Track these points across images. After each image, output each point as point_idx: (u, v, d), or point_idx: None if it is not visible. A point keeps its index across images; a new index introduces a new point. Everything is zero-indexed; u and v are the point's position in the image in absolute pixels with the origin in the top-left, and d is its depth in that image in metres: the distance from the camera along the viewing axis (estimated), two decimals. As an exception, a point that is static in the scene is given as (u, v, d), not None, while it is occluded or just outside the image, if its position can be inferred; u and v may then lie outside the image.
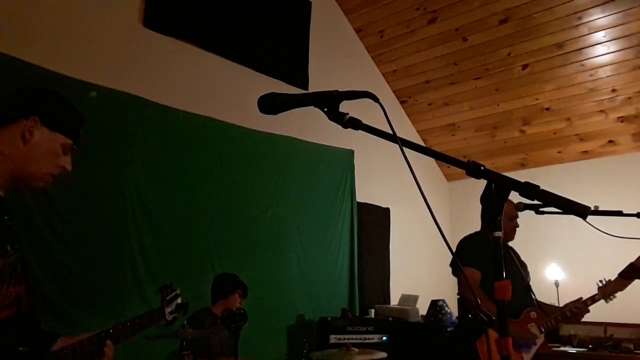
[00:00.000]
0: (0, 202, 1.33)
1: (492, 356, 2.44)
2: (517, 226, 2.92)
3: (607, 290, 2.75)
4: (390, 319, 4.27)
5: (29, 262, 2.73)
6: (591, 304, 2.78)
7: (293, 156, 4.43)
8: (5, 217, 1.32)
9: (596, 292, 2.78)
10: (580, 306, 2.76)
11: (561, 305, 3.03)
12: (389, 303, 5.06)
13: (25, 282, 1.33)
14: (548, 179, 5.31)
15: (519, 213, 2.87)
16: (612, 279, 2.79)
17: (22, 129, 1.33)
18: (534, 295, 2.93)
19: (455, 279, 2.92)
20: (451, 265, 2.84)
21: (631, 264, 2.74)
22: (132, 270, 3.21)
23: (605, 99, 4.94)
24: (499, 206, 0.97)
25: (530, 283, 2.99)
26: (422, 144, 5.77)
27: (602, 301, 2.79)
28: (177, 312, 1.83)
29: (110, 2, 3.41)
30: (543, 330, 2.75)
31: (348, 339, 3.74)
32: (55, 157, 1.38)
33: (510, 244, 3.03)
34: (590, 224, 1.74)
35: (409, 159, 1.00)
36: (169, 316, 1.79)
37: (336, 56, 5.20)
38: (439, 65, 5.38)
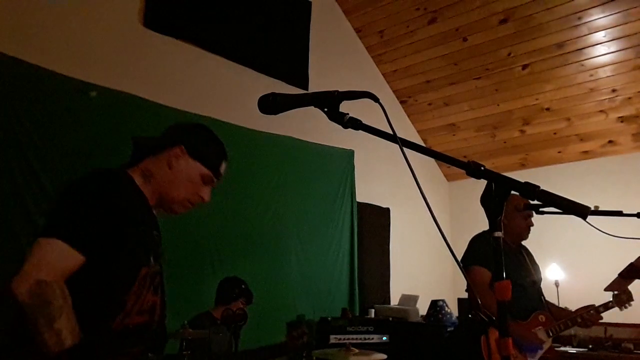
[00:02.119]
0: (152, 219, 1.47)
1: (493, 357, 2.44)
2: (532, 224, 2.87)
3: (623, 298, 2.73)
4: (390, 319, 4.26)
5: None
6: (604, 311, 2.74)
7: (293, 156, 4.42)
8: (155, 232, 1.44)
9: (610, 299, 2.75)
10: (593, 313, 2.72)
11: (562, 306, 3.03)
12: (389, 303, 5.05)
13: (162, 294, 1.43)
14: (548, 179, 5.31)
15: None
16: (614, 280, 2.77)
17: (169, 155, 1.48)
18: (544, 297, 2.91)
19: (455, 278, 2.91)
20: (462, 261, 2.82)
21: (631, 264, 2.73)
22: (132, 271, 3.20)
23: (605, 99, 4.94)
24: (499, 206, 0.97)
25: (542, 285, 2.96)
26: (422, 144, 5.77)
27: (603, 300, 2.77)
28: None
29: (110, 2, 3.41)
30: (551, 334, 2.71)
31: (348, 339, 3.74)
32: (194, 185, 1.49)
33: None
34: (590, 224, 1.74)
35: (409, 159, 1.00)
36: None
37: (336, 56, 5.20)
38: (439, 65, 5.38)
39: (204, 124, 1.60)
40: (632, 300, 2.73)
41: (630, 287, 2.76)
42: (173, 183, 1.47)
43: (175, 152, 1.48)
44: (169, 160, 1.47)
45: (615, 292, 2.74)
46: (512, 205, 2.76)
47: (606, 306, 2.73)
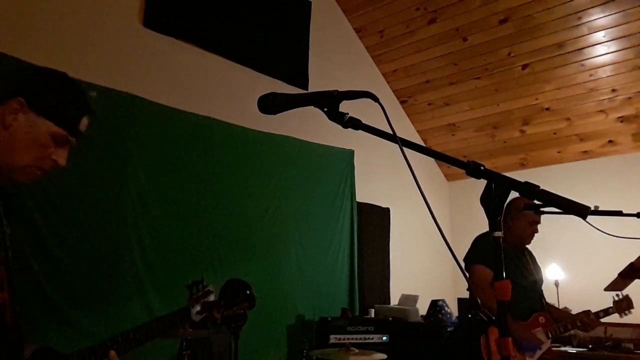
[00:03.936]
0: None
1: (493, 356, 2.44)
2: (537, 232, 2.88)
3: (623, 306, 2.73)
4: (390, 319, 4.26)
5: (30, 264, 2.73)
6: (604, 317, 2.76)
7: (293, 156, 4.42)
8: None
9: (610, 305, 2.77)
10: (593, 317, 2.74)
11: (562, 306, 3.03)
12: (389, 303, 5.05)
13: (10, 288, 1.15)
14: (548, 179, 5.31)
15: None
16: (615, 280, 2.78)
17: (4, 111, 1.16)
18: (545, 299, 2.93)
19: (455, 278, 2.91)
20: (465, 260, 2.84)
21: (631, 263, 2.73)
22: (132, 270, 3.21)
23: (605, 99, 4.94)
24: (499, 206, 0.97)
25: (543, 287, 2.97)
26: (422, 144, 5.77)
27: (604, 301, 2.78)
28: (207, 312, 1.63)
29: (110, 2, 3.41)
30: (550, 336, 2.73)
31: (348, 339, 3.74)
32: (43, 148, 1.19)
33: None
34: (590, 224, 1.73)
35: (409, 159, 1.00)
36: (196, 317, 1.62)
37: (336, 56, 5.20)
38: (439, 65, 5.38)
39: (56, 70, 1.27)
40: (632, 308, 2.74)
41: (630, 287, 2.76)
42: (11, 146, 1.15)
43: (12, 107, 1.15)
44: (3, 118, 1.15)
45: (616, 299, 2.76)
46: (518, 207, 2.77)
47: (606, 312, 2.75)
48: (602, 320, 2.81)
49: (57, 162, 1.22)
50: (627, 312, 2.74)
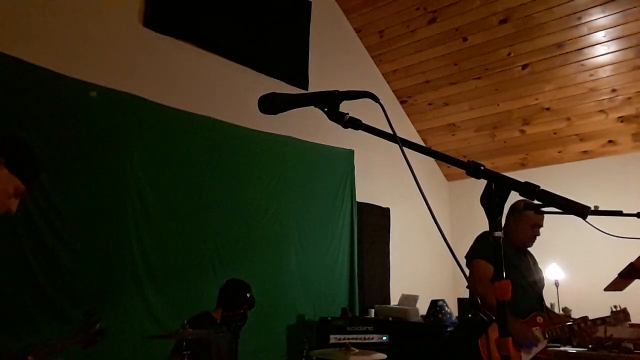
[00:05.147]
0: None
1: (492, 355, 2.44)
2: (538, 234, 2.88)
3: (621, 317, 2.74)
4: (390, 319, 4.26)
5: (30, 264, 2.73)
6: (601, 325, 2.76)
7: (293, 156, 4.42)
8: None
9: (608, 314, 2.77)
10: (590, 324, 2.75)
11: (562, 306, 3.03)
12: (389, 303, 5.05)
13: None
14: (548, 179, 5.31)
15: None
16: (614, 280, 2.78)
17: None
18: (545, 302, 2.93)
19: (455, 278, 2.91)
20: (466, 257, 2.84)
21: (631, 263, 2.73)
22: (132, 270, 3.21)
23: (605, 99, 4.94)
24: (499, 206, 0.97)
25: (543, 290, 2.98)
26: (422, 144, 5.77)
27: (603, 300, 2.78)
28: (94, 336, 1.99)
29: (110, 2, 3.41)
30: (547, 336, 2.73)
31: (348, 338, 3.74)
32: (6, 197, 1.48)
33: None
34: (590, 224, 1.73)
35: (409, 159, 1.00)
36: (88, 337, 1.95)
37: (336, 56, 5.20)
38: (439, 65, 5.38)
39: (21, 136, 1.63)
40: (629, 320, 2.75)
41: (630, 287, 2.76)
42: None
43: None
44: None
45: (614, 310, 2.76)
46: (519, 208, 2.77)
47: (603, 321, 2.75)
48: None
49: (10, 210, 1.50)
50: (623, 324, 2.74)
